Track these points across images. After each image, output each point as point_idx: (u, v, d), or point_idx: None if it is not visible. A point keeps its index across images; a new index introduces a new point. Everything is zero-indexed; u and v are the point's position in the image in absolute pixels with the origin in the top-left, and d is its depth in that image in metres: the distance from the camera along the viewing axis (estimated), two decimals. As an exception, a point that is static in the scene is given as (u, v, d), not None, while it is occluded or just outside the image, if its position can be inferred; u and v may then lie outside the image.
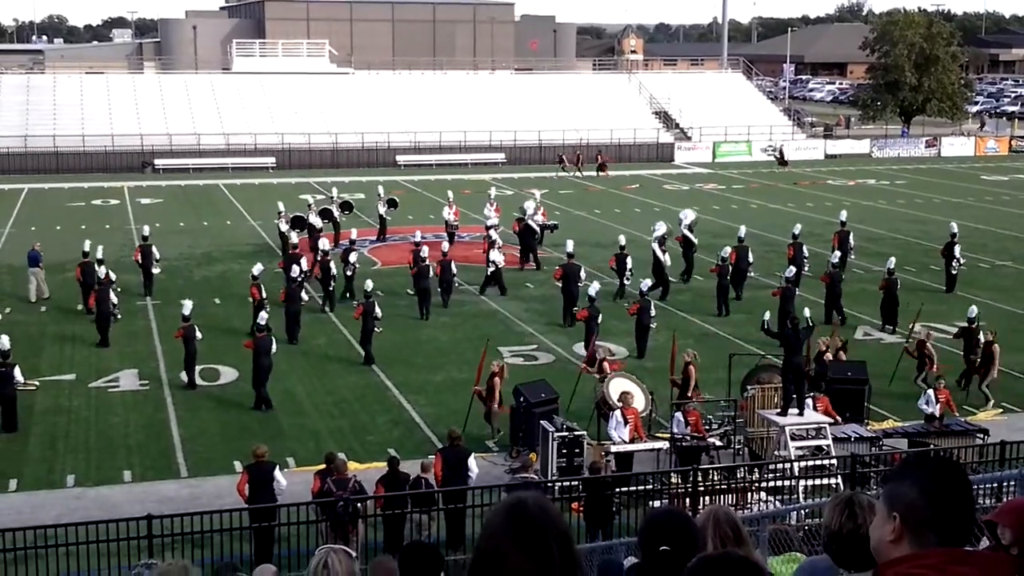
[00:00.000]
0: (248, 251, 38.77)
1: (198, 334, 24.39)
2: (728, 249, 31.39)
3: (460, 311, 30.43)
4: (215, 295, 32.14)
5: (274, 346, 23.45)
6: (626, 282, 31.98)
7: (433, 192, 53.00)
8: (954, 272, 32.97)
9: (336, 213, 39.59)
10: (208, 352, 25.37)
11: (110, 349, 27.00)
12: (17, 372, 21.82)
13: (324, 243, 32.28)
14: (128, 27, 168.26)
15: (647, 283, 27.58)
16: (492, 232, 35.24)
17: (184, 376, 24.21)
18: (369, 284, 27.38)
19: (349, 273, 31.88)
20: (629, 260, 32.27)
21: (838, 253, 31.59)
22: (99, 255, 30.93)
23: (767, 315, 22.47)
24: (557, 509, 3.17)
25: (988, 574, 3.18)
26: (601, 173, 60.96)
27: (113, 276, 29.98)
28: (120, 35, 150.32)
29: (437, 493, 16.19)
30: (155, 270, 32.17)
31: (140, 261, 32.46)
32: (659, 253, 32.66)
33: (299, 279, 28.62)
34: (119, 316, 28.94)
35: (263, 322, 23.67)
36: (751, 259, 32.49)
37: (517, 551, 3.00)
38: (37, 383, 24.02)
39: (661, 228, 33.54)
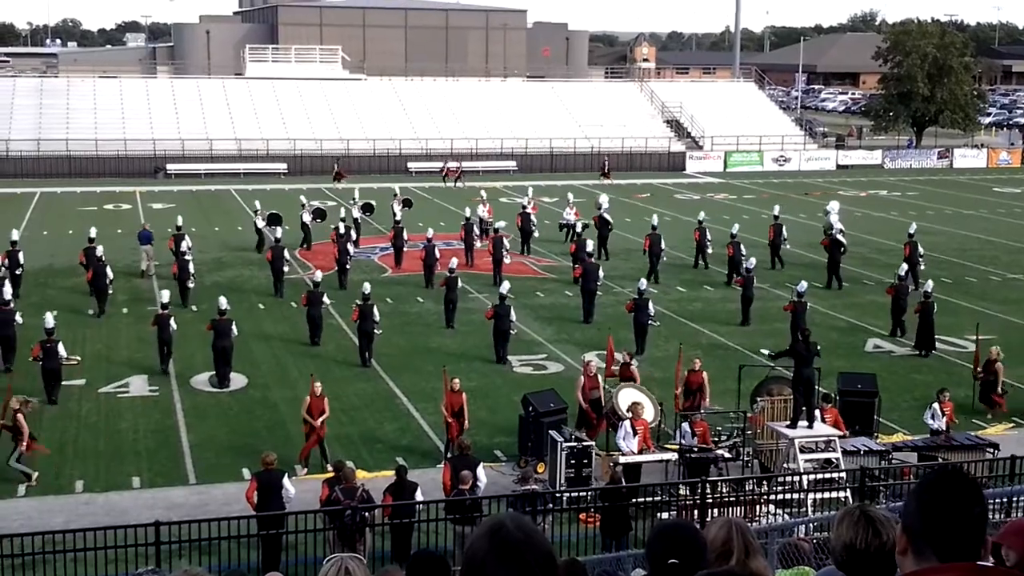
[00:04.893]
0: (258, 257, 38.81)
1: (62, 351, 23.80)
2: (753, 260, 32.05)
3: (470, 319, 30.43)
4: (227, 308, 32.15)
5: (234, 330, 24.90)
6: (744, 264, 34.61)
7: (443, 199, 53.05)
8: (922, 268, 34.30)
9: (358, 215, 41.17)
10: (218, 358, 25.41)
11: (121, 354, 27.12)
12: (61, 348, 23.38)
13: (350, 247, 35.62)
14: (142, 31, 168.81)
15: (644, 283, 28.42)
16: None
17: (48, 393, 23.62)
18: (367, 287, 27.55)
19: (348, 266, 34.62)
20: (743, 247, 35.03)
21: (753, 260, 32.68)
22: (92, 233, 33.49)
23: (765, 351, 22.22)
24: (538, 529, 3.21)
25: None
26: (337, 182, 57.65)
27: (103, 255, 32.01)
28: (134, 39, 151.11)
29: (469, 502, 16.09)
30: (187, 257, 33.44)
31: (173, 249, 34.38)
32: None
33: (320, 283, 29.37)
34: (111, 291, 31.60)
35: (223, 307, 25.41)
36: (663, 246, 35.81)
37: (499, 573, 3.04)
38: (79, 358, 25.50)
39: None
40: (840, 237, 35.88)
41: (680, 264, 37.96)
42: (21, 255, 33.18)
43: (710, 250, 37.22)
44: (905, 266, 31.50)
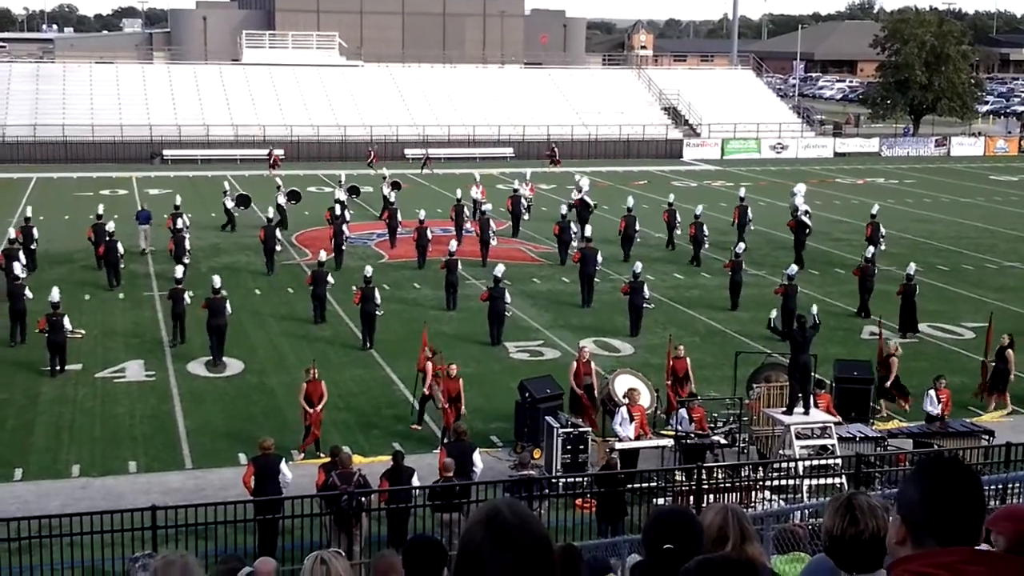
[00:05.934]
0: (255, 243, 38.73)
1: (68, 324, 24.54)
2: (742, 245, 32.65)
3: (467, 306, 30.41)
4: (221, 287, 32.11)
5: (228, 308, 25.37)
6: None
7: (439, 185, 52.99)
8: (882, 248, 34.71)
9: (344, 197, 41.18)
10: (214, 343, 25.42)
11: (117, 339, 27.11)
12: (67, 321, 24.02)
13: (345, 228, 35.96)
14: (138, 17, 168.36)
15: (639, 266, 28.84)
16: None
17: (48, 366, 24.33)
18: (368, 270, 27.56)
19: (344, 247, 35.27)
20: (706, 228, 35.97)
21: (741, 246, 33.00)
22: (100, 210, 35.05)
23: (774, 313, 22.49)
24: (534, 514, 3.22)
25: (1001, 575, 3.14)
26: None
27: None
28: (130, 25, 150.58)
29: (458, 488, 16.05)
30: (184, 235, 33.90)
31: (171, 227, 34.76)
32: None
33: (323, 263, 29.77)
34: (123, 265, 32.71)
35: (217, 285, 25.98)
36: (638, 227, 36.67)
37: (495, 558, 3.04)
38: (83, 332, 26.28)
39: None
40: (805, 219, 36.50)
41: (680, 250, 37.95)
42: (35, 231, 34.10)
43: (679, 232, 37.92)
44: (872, 248, 32.06)
